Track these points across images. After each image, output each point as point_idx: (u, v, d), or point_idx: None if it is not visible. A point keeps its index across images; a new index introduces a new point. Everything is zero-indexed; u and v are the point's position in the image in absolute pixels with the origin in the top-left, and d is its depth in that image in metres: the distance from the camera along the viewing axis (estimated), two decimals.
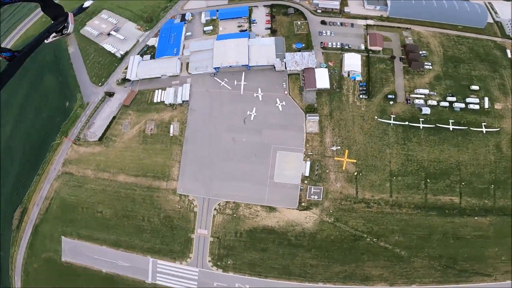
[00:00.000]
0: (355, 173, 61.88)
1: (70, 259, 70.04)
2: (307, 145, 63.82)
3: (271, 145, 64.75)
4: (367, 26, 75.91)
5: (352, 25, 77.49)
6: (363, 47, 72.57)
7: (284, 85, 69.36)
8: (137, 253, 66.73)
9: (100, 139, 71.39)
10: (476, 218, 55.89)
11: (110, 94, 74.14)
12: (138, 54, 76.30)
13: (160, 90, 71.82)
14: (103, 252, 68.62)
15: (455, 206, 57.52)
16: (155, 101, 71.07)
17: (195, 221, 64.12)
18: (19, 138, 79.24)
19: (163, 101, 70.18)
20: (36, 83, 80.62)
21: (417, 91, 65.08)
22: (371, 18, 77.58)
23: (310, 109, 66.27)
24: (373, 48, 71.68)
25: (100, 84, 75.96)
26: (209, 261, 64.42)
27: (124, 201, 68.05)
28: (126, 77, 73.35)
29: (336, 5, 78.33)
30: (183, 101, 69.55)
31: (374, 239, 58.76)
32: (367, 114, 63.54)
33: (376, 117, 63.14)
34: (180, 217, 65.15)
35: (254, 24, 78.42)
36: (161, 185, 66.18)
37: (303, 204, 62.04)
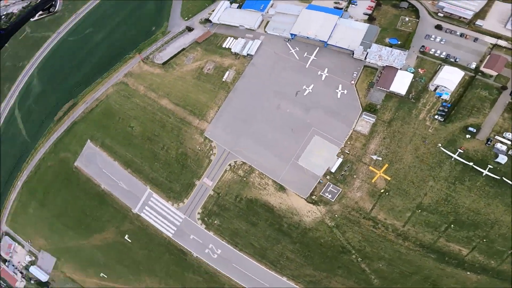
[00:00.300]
0: (382, 191, 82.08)
1: (81, 166, 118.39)
2: (348, 142, 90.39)
3: (312, 127, 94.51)
4: (495, 45, 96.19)
5: (475, 39, 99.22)
6: (473, 65, 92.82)
7: (355, 75, 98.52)
8: (140, 179, 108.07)
9: (164, 63, 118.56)
10: (468, 273, 70.37)
11: (189, 29, 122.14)
12: (228, 0, 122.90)
13: (232, 38, 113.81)
14: (113, 168, 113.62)
15: (458, 257, 72.60)
16: (223, 46, 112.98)
17: (206, 169, 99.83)
18: (104, 45, 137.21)
19: (230, 49, 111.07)
20: (139, 7, 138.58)
21: (506, 134, 79.61)
22: (507, 39, 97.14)
23: (370, 108, 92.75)
24: (486, 70, 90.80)
25: (186, 19, 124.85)
26: (198, 213, 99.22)
27: (156, 124, 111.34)
28: (209, 19, 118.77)
29: (468, 15, 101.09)
30: (247, 54, 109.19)
31: (359, 259, 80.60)
32: (432, 138, 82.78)
33: (440, 144, 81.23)
34: (195, 159, 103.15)
35: (353, 6, 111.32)
36: (193, 122, 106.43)
37: (313, 197, 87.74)
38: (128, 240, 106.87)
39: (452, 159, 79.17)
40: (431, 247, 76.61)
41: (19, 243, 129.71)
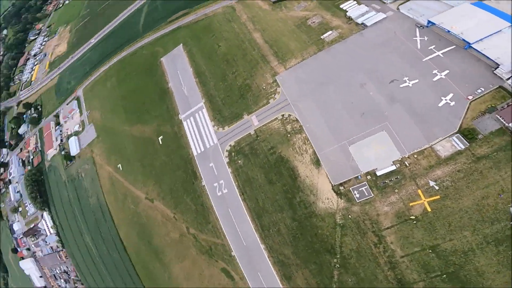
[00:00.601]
0: (412, 217, 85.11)
1: (164, 62, 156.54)
2: (414, 156, 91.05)
3: (386, 121, 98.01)
4: None
5: None
6: None
7: (479, 91, 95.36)
8: (201, 91, 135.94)
9: (275, 2, 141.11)
10: None
11: None
12: None
13: (354, 2, 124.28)
14: (186, 73, 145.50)
15: None
16: (340, 6, 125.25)
17: (260, 108, 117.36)
18: None
19: (346, 11, 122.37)
20: None
21: None
22: None
23: (467, 133, 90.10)
24: None
25: None
26: (229, 145, 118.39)
27: (239, 51, 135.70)
28: None
29: None
30: (362, 23, 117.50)
31: (337, 265, 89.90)
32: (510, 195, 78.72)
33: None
34: (255, 95, 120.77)
35: None
36: (272, 62, 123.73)
37: (341, 188, 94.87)
38: (160, 142, 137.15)
39: (511, 223, 77.80)
40: (406, 286, 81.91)
41: (80, 110, 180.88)
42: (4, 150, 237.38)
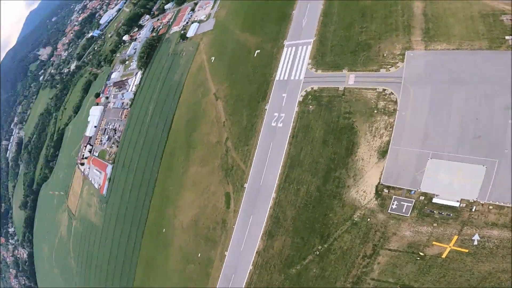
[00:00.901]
0: (421, 254, 78.30)
1: None
2: (490, 206, 75.57)
3: (499, 158, 79.96)
4: None
5: None
6: None
7: None
8: (318, 29, 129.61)
9: None
10: None
11: None
12: None
13: None
14: (315, 8, 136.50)
15: None
16: None
17: (365, 72, 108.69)
18: None
19: None
20: None
21: None
22: None
23: None
24: None
25: None
26: (311, 88, 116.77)
27: (385, 10, 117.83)
28: None
29: None
30: None
31: (317, 252, 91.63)
32: None
33: None
34: (369, 58, 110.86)
35: None
36: (414, 36, 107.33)
37: (385, 190, 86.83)
38: (255, 55, 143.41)
39: None
40: None
41: (213, 6, 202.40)
42: (147, 17, 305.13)
